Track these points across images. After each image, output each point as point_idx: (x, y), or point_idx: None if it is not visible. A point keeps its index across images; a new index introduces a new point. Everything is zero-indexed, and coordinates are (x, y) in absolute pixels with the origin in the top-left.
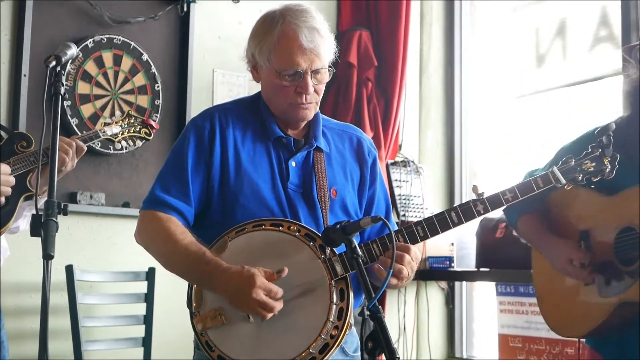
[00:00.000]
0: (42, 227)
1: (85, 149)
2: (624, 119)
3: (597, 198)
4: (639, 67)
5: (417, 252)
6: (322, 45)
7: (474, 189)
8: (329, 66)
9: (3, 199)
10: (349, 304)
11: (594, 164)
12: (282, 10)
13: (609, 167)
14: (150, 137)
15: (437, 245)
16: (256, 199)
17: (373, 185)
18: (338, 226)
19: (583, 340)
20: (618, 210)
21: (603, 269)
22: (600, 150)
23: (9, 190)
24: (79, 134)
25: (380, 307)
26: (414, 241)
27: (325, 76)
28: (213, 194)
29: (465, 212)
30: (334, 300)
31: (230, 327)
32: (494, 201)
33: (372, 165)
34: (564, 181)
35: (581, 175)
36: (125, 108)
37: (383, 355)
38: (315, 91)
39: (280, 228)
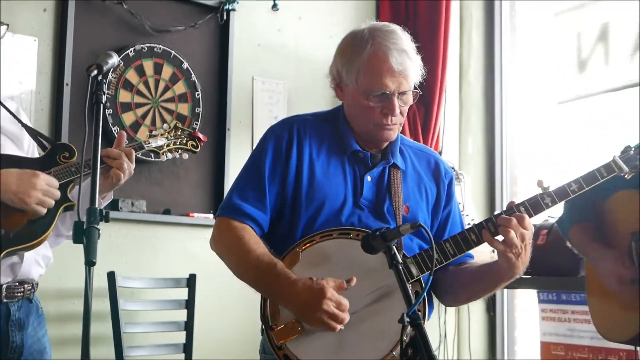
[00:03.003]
0: (85, 234)
1: (133, 152)
2: None
3: None
4: None
5: (531, 226)
6: (410, 67)
7: (539, 183)
8: (415, 88)
9: (45, 211)
10: (425, 306)
11: None
12: (371, 30)
13: None
14: (197, 150)
15: (478, 252)
16: (326, 211)
17: (449, 205)
18: (378, 233)
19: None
20: None
21: None
22: None
23: (52, 203)
24: None
25: (420, 313)
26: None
27: (411, 98)
28: (286, 204)
29: (534, 206)
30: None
31: (309, 337)
32: (561, 193)
33: (449, 186)
34: (626, 169)
35: None
36: (166, 116)
37: None
38: (400, 112)
39: (350, 236)
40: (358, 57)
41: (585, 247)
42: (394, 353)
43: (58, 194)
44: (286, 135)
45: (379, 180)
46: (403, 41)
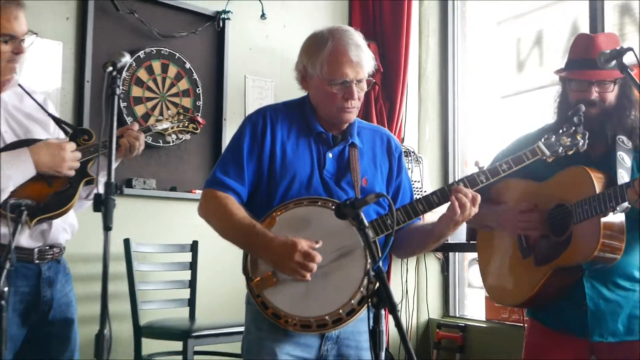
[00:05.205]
0: (103, 204)
1: (144, 136)
2: (551, 124)
3: (531, 184)
4: (562, 85)
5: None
6: (364, 59)
7: (476, 163)
8: (369, 76)
9: (73, 172)
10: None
11: (569, 139)
12: (330, 30)
13: (582, 141)
14: (198, 131)
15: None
16: (297, 183)
17: (399, 176)
18: (348, 202)
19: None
20: (551, 192)
21: (539, 242)
22: (573, 128)
23: (78, 165)
24: None
25: (382, 267)
26: (431, 207)
27: (365, 85)
28: (262, 178)
29: (471, 182)
30: (369, 260)
31: (282, 287)
32: (494, 171)
33: (399, 159)
34: (548, 153)
35: (561, 148)
36: (172, 108)
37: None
38: (358, 97)
39: (318, 204)
40: (321, 52)
41: (481, 214)
42: (352, 301)
43: (79, 155)
44: (261, 121)
45: (340, 156)
46: (357, 38)
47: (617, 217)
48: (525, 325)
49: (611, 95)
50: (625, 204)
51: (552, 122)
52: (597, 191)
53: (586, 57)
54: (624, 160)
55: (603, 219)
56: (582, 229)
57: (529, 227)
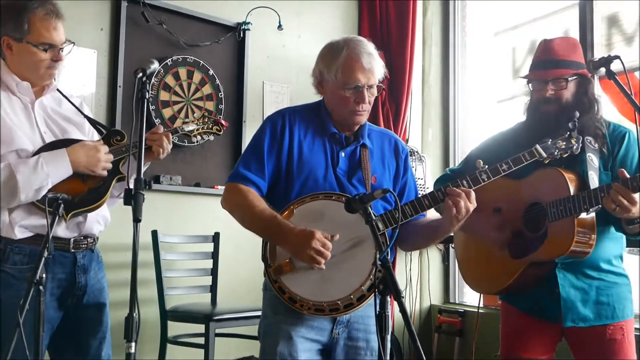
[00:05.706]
0: (133, 198)
1: (170, 135)
2: (522, 124)
3: (508, 182)
4: (530, 93)
5: (475, 202)
6: (376, 66)
7: (478, 163)
8: (379, 83)
9: (106, 173)
10: (388, 252)
11: (564, 143)
12: (345, 40)
13: (575, 145)
14: (221, 133)
15: (435, 215)
16: (312, 179)
17: (405, 175)
18: (357, 197)
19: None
20: (526, 190)
21: (514, 237)
22: (568, 133)
23: (110, 166)
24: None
25: (388, 257)
26: (436, 202)
27: (376, 91)
28: (281, 174)
29: (473, 180)
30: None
31: (298, 274)
32: (494, 171)
33: (405, 160)
34: (544, 155)
35: (556, 151)
36: (197, 111)
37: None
38: (369, 101)
39: (333, 198)
40: (336, 59)
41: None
42: (362, 288)
43: (112, 157)
44: (280, 121)
45: (352, 156)
46: (370, 47)
47: (588, 215)
48: (499, 309)
49: (566, 92)
50: (598, 206)
51: (523, 121)
52: (572, 192)
53: (543, 59)
54: (593, 161)
55: (576, 218)
56: (556, 227)
57: (498, 242)
